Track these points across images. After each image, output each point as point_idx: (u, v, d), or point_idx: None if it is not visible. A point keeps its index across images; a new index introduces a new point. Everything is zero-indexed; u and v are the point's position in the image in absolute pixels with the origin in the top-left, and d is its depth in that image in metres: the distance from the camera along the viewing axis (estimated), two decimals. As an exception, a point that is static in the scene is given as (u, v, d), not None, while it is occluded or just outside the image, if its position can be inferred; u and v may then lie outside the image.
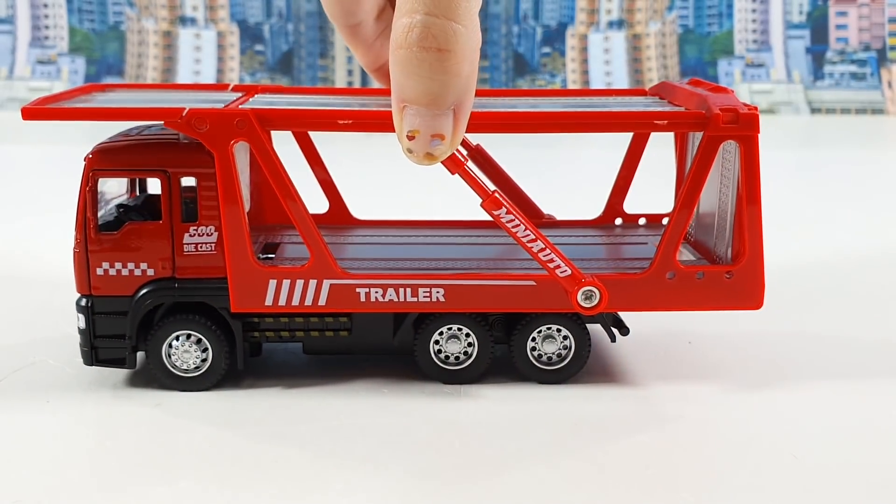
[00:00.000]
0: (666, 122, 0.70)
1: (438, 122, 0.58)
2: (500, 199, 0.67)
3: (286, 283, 0.68)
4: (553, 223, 0.84)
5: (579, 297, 0.68)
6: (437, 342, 0.72)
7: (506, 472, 0.59)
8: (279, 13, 2.36)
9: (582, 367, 0.72)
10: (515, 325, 0.72)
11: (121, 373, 0.73)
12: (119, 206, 0.75)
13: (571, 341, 0.72)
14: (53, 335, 0.81)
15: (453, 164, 0.65)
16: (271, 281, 0.68)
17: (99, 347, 0.70)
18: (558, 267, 0.68)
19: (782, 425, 0.65)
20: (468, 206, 0.74)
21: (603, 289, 0.68)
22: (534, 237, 0.68)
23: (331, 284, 0.69)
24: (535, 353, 0.72)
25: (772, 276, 0.97)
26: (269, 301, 0.69)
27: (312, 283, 0.68)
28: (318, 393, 0.70)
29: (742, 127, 0.67)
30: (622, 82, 2.30)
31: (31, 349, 0.78)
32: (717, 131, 0.67)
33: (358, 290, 0.69)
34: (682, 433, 0.64)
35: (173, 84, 0.78)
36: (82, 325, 0.70)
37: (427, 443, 0.63)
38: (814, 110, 2.26)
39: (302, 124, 0.72)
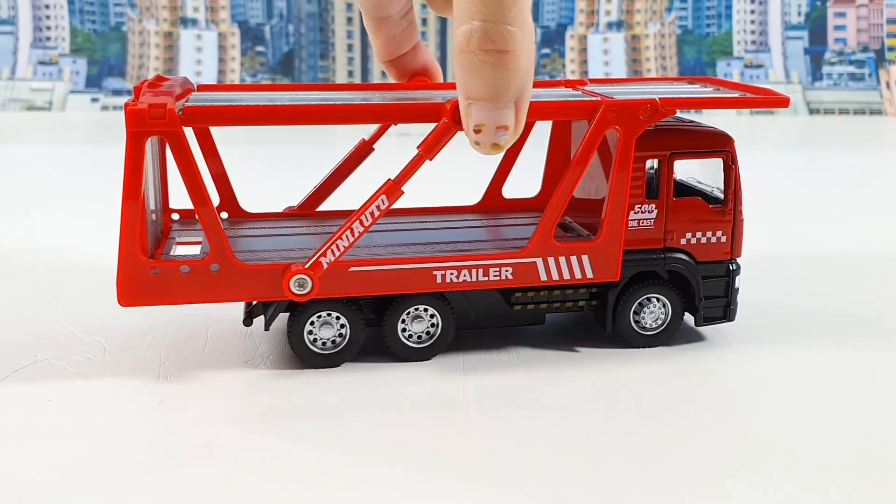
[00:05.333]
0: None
1: (502, 115, 0.64)
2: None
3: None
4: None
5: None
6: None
7: (504, 470, 0.59)
8: (280, 14, 2.36)
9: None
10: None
11: (123, 371, 0.74)
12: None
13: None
14: (56, 334, 0.81)
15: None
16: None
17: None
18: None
19: (780, 423, 0.66)
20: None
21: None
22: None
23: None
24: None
25: (770, 275, 0.98)
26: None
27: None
28: (319, 390, 0.71)
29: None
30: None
31: (33, 348, 0.78)
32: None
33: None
34: (680, 432, 0.65)
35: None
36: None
37: (427, 440, 0.63)
38: (812, 111, 2.27)
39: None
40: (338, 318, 0.75)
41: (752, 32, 2.34)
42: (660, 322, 0.79)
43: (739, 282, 0.80)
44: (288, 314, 0.75)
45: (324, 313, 0.74)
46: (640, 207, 0.77)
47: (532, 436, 0.64)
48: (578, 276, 0.76)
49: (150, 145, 0.71)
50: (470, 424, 0.66)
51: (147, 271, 0.71)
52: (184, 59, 2.34)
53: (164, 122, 0.67)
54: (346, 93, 0.83)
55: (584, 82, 0.88)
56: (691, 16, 2.34)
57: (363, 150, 0.88)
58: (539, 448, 0.62)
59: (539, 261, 0.75)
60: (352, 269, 0.72)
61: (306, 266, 0.70)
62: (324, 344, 0.75)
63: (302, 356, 0.75)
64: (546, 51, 2.35)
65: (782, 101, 0.77)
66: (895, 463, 0.61)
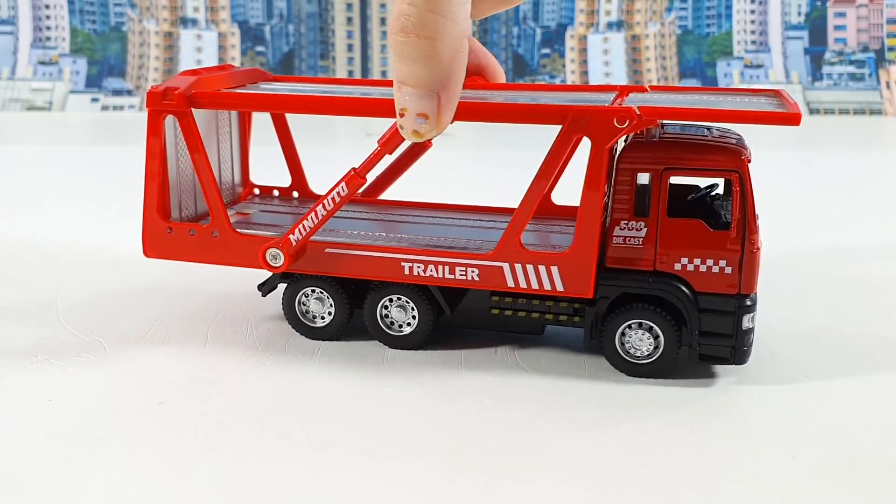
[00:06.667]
0: None
1: (423, 103, 0.65)
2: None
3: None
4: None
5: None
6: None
7: (506, 471, 0.59)
8: (280, 14, 2.36)
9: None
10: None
11: (123, 371, 0.74)
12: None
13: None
14: (56, 334, 0.81)
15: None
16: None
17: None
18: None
19: (780, 424, 0.66)
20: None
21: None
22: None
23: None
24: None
25: (769, 276, 0.98)
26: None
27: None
28: (319, 391, 0.71)
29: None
30: (621, 83, 2.30)
31: (33, 348, 0.78)
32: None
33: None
34: (681, 432, 0.65)
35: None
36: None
37: (428, 441, 0.63)
38: (812, 111, 2.27)
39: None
40: (328, 297, 0.80)
41: (752, 32, 2.34)
42: (648, 351, 0.74)
43: (753, 321, 0.72)
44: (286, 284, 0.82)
45: (317, 289, 0.80)
46: (627, 224, 0.72)
47: (532, 436, 0.64)
48: (548, 287, 0.73)
49: (214, 123, 0.86)
50: (470, 424, 0.66)
51: (163, 230, 0.81)
52: (184, 59, 2.35)
53: (174, 104, 0.78)
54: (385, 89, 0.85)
55: (643, 89, 0.82)
56: (691, 16, 2.35)
57: (421, 145, 0.90)
58: (539, 448, 0.62)
59: (506, 266, 0.74)
60: (327, 249, 0.77)
61: (279, 241, 0.77)
62: (314, 317, 0.81)
63: (291, 323, 0.82)
64: (546, 51, 2.35)
65: (791, 118, 0.68)
66: (895, 463, 0.61)
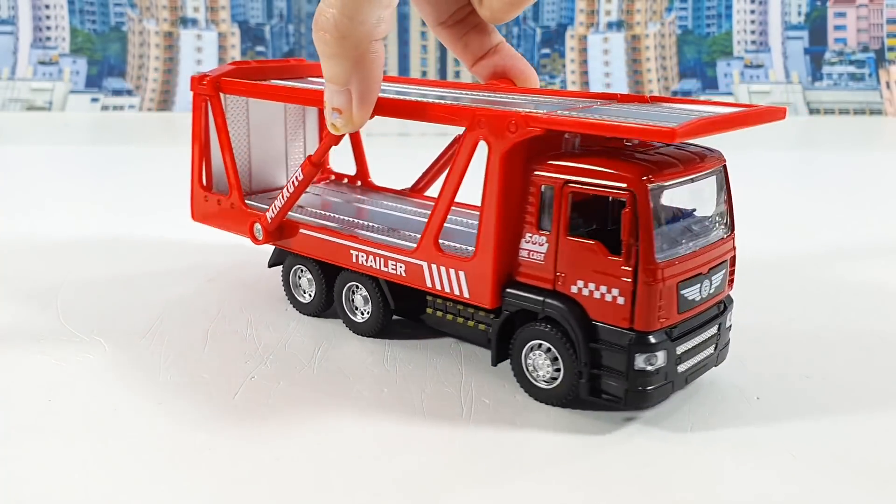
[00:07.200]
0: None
1: (336, 98, 0.70)
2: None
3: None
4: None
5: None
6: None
7: (506, 472, 0.59)
8: (280, 14, 2.36)
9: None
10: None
11: (123, 371, 0.74)
12: None
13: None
14: (56, 334, 0.81)
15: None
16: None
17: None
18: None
19: (780, 424, 0.66)
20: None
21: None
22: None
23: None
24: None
25: (770, 276, 0.98)
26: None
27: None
28: (319, 391, 0.71)
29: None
30: (621, 83, 2.31)
31: (33, 348, 0.78)
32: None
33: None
34: (681, 433, 0.65)
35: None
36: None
37: (427, 443, 0.63)
38: (812, 111, 2.27)
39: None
40: (309, 274, 0.86)
41: (752, 32, 2.34)
42: (548, 375, 0.68)
43: (655, 363, 0.64)
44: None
45: (302, 267, 0.87)
46: (531, 237, 0.68)
47: (532, 436, 0.64)
48: (457, 292, 0.71)
49: (282, 113, 0.97)
50: (470, 424, 0.66)
51: (203, 198, 0.93)
52: (184, 59, 2.35)
53: (205, 87, 0.89)
54: (420, 88, 0.86)
55: (644, 99, 0.75)
56: (691, 16, 2.35)
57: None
58: (539, 449, 0.62)
59: (425, 265, 0.73)
60: (301, 230, 0.84)
61: (261, 217, 0.85)
62: (304, 292, 0.87)
63: (287, 296, 0.89)
64: (546, 51, 2.35)
65: (668, 134, 0.58)
66: (895, 463, 0.61)
